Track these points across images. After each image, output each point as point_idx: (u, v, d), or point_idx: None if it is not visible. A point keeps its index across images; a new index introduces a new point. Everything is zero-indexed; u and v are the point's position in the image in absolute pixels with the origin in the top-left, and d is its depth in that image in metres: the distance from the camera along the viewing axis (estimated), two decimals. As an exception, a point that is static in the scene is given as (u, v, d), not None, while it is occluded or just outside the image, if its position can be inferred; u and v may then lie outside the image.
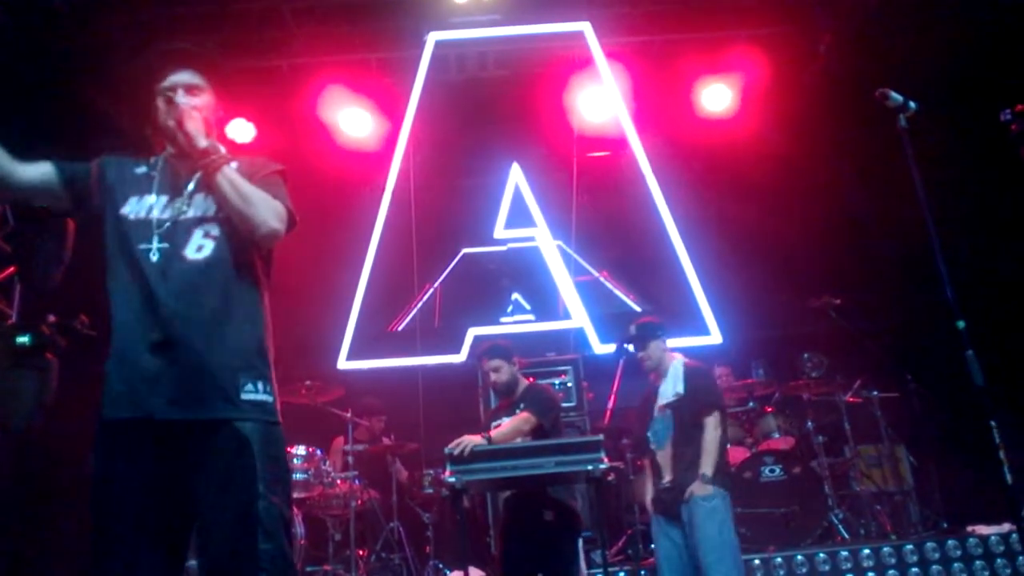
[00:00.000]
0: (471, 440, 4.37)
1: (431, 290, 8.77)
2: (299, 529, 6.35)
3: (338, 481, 6.94)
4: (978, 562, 5.82)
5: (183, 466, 2.42)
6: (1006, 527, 5.90)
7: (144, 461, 2.41)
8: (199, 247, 2.59)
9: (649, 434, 5.05)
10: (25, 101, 6.84)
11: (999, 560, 5.81)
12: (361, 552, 6.91)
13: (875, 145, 5.56)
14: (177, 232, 2.60)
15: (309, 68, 8.26)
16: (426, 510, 7.24)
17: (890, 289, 8.22)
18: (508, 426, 4.66)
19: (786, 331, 8.45)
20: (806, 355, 7.51)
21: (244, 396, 2.50)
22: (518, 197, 8.90)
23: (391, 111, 8.68)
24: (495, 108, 8.64)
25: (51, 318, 5.43)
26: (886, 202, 7.02)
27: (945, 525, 6.65)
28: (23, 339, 5.33)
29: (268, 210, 2.63)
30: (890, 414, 7.29)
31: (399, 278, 8.41)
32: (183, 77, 2.77)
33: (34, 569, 6.73)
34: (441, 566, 6.86)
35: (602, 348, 8.14)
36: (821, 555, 5.87)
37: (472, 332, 8.30)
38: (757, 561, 5.85)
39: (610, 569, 5.76)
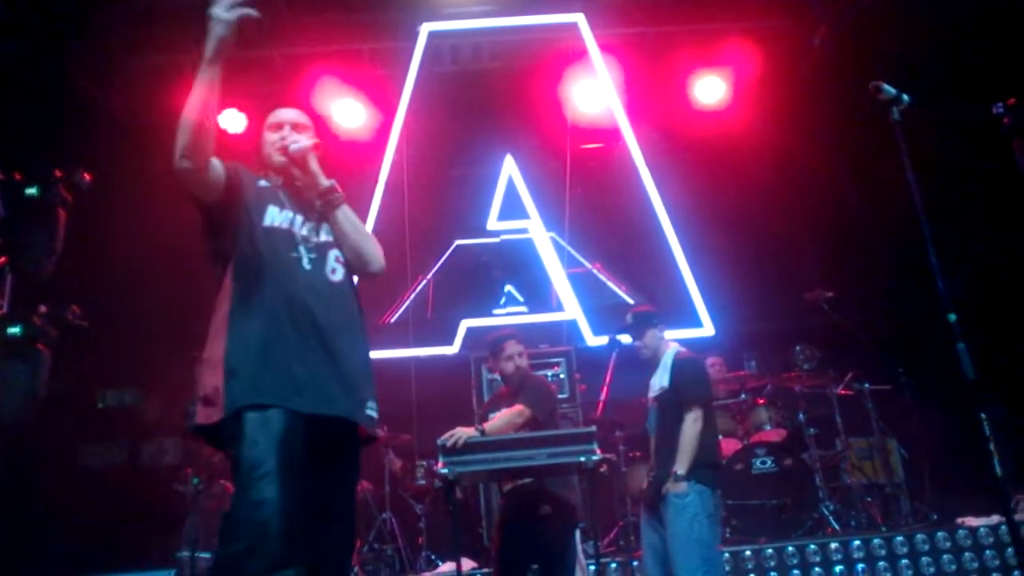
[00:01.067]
0: (464, 432, 4.36)
1: (424, 281, 8.77)
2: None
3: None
4: (967, 554, 5.84)
5: (316, 461, 2.57)
6: (995, 519, 5.93)
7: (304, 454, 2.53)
8: (333, 269, 2.84)
9: (646, 424, 5.05)
10: (24, 98, 6.82)
11: (988, 552, 5.83)
12: (354, 543, 6.91)
13: (869, 138, 5.57)
14: (317, 251, 2.82)
15: (302, 58, 8.24)
16: (419, 501, 7.24)
17: (882, 282, 8.25)
18: (501, 418, 4.67)
19: (778, 323, 8.47)
20: (798, 347, 7.52)
21: (367, 411, 2.77)
22: (511, 189, 8.91)
23: (384, 102, 8.66)
24: (489, 99, 8.62)
25: (42, 309, 5.43)
26: (879, 195, 7.04)
27: (935, 517, 6.68)
28: (14, 330, 5.33)
29: (378, 247, 2.97)
30: (881, 407, 7.30)
31: (392, 269, 8.32)
32: (291, 114, 3.01)
33: (25, 557, 6.73)
34: (434, 557, 6.87)
35: (595, 340, 8.16)
36: (812, 547, 5.89)
37: (465, 324, 8.31)
38: (748, 552, 5.86)
39: (602, 560, 5.78)
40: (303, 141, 2.90)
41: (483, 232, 8.87)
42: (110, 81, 8.02)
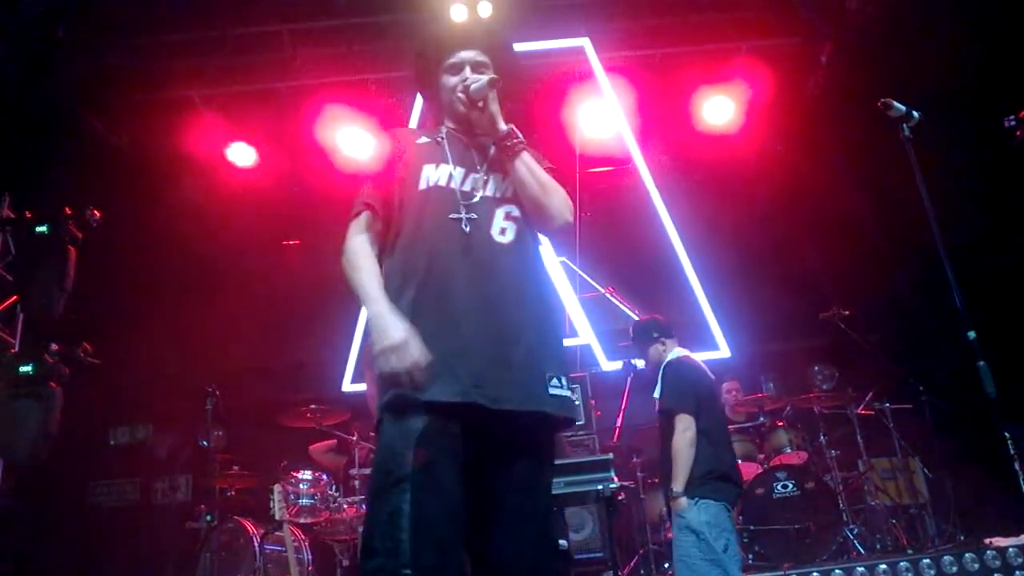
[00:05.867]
0: None
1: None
2: (306, 555, 6.29)
3: (345, 506, 6.87)
4: (997, 575, 5.71)
5: (489, 458, 2.28)
6: (1024, 539, 5.81)
7: (458, 450, 2.22)
8: (503, 229, 2.49)
9: None
10: (28, 129, 6.88)
11: (1018, 572, 5.68)
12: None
13: (881, 155, 5.51)
14: (481, 209, 2.48)
15: (308, 90, 8.26)
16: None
17: (899, 299, 8.15)
18: None
19: (795, 344, 8.38)
20: (816, 367, 7.43)
21: (550, 391, 2.34)
22: (522, 214, 8.86)
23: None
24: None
25: (54, 347, 5.42)
26: (893, 212, 6.99)
27: (962, 538, 6.55)
28: (26, 368, 5.32)
29: (563, 201, 2.56)
30: (903, 426, 7.19)
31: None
32: (470, 55, 2.66)
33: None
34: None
35: (609, 365, 8.08)
36: (837, 571, 5.76)
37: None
38: (772, 579, 5.75)
39: (622, 590, 5.69)
40: (482, 79, 2.56)
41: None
42: (118, 117, 8.07)
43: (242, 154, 8.35)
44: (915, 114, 3.62)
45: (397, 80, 8.54)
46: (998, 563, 5.74)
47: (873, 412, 7.20)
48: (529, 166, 2.52)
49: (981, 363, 3.24)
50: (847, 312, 7.25)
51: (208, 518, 6.37)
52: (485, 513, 2.27)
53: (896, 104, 3.61)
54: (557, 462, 4.41)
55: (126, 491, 7.71)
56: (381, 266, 2.47)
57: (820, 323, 7.35)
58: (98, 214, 5.72)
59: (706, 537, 4.16)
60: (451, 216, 2.42)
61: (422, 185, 2.50)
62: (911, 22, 7.34)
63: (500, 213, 2.50)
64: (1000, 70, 6.96)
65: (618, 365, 7.36)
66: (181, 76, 7.93)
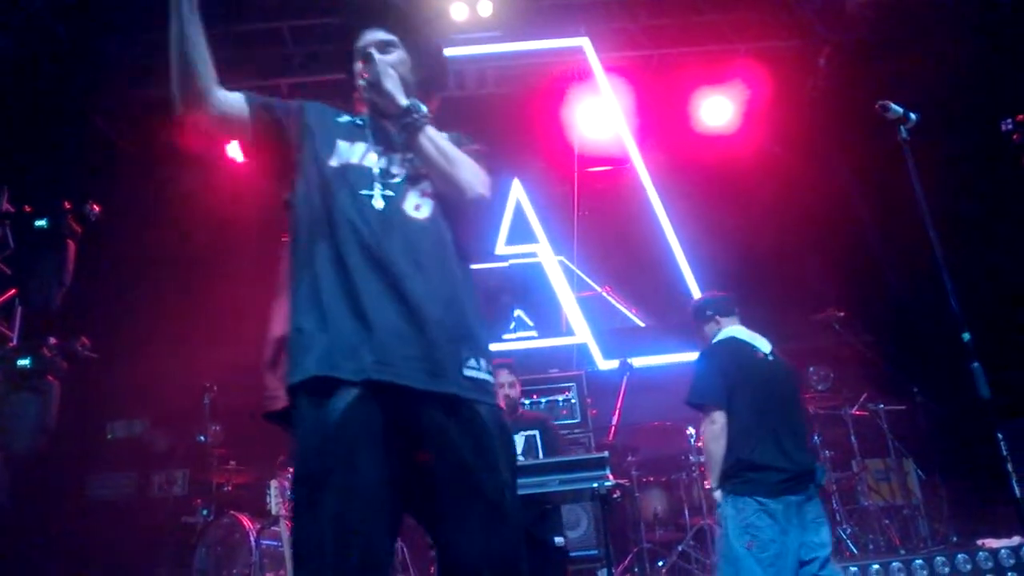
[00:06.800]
0: None
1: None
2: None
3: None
4: (988, 576, 5.75)
5: (402, 439, 2.14)
6: (1016, 540, 5.83)
7: (379, 440, 2.10)
8: (417, 205, 2.40)
9: None
10: (28, 123, 6.88)
11: (1010, 574, 5.73)
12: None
13: (877, 156, 5.54)
14: (396, 186, 2.39)
15: (309, 86, 8.27)
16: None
17: (895, 301, 8.18)
18: None
19: (790, 345, 8.34)
20: (811, 369, 7.45)
21: (464, 372, 2.21)
22: (519, 213, 8.89)
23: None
24: (495, 125, 8.63)
25: (52, 340, 5.43)
26: (889, 213, 7.02)
27: (955, 539, 6.58)
28: (24, 362, 5.33)
29: (473, 174, 2.45)
30: (897, 427, 7.22)
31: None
32: (375, 35, 2.61)
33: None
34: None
35: (605, 364, 8.10)
36: (830, 571, 5.79)
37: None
38: (765, 578, 5.77)
39: (616, 587, 5.71)
40: (382, 61, 2.47)
41: (492, 257, 8.85)
42: (118, 112, 8.07)
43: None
44: (912, 116, 3.63)
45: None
46: (990, 564, 5.78)
47: (867, 413, 7.22)
48: (433, 140, 2.40)
49: (975, 364, 3.26)
50: (842, 313, 7.29)
51: (204, 512, 6.38)
52: (428, 503, 2.18)
53: (893, 106, 3.63)
54: (555, 460, 4.45)
55: (123, 485, 7.71)
56: (290, 246, 2.41)
57: (815, 324, 7.39)
58: (97, 208, 5.73)
59: (727, 533, 4.04)
60: (363, 192, 2.34)
61: (334, 162, 2.42)
62: (909, 25, 7.37)
63: (416, 189, 2.42)
64: (998, 72, 6.99)
65: (614, 364, 7.40)
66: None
